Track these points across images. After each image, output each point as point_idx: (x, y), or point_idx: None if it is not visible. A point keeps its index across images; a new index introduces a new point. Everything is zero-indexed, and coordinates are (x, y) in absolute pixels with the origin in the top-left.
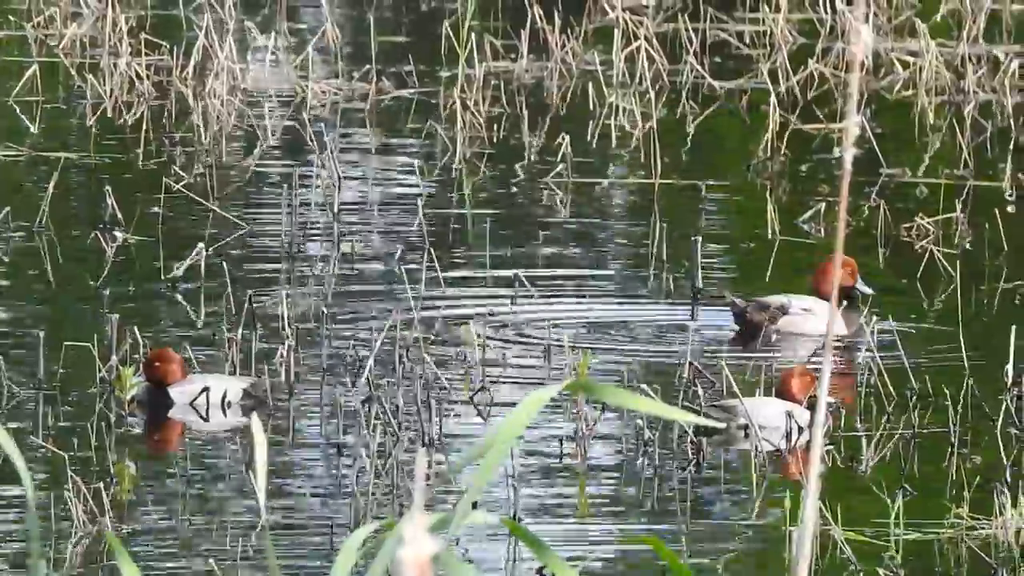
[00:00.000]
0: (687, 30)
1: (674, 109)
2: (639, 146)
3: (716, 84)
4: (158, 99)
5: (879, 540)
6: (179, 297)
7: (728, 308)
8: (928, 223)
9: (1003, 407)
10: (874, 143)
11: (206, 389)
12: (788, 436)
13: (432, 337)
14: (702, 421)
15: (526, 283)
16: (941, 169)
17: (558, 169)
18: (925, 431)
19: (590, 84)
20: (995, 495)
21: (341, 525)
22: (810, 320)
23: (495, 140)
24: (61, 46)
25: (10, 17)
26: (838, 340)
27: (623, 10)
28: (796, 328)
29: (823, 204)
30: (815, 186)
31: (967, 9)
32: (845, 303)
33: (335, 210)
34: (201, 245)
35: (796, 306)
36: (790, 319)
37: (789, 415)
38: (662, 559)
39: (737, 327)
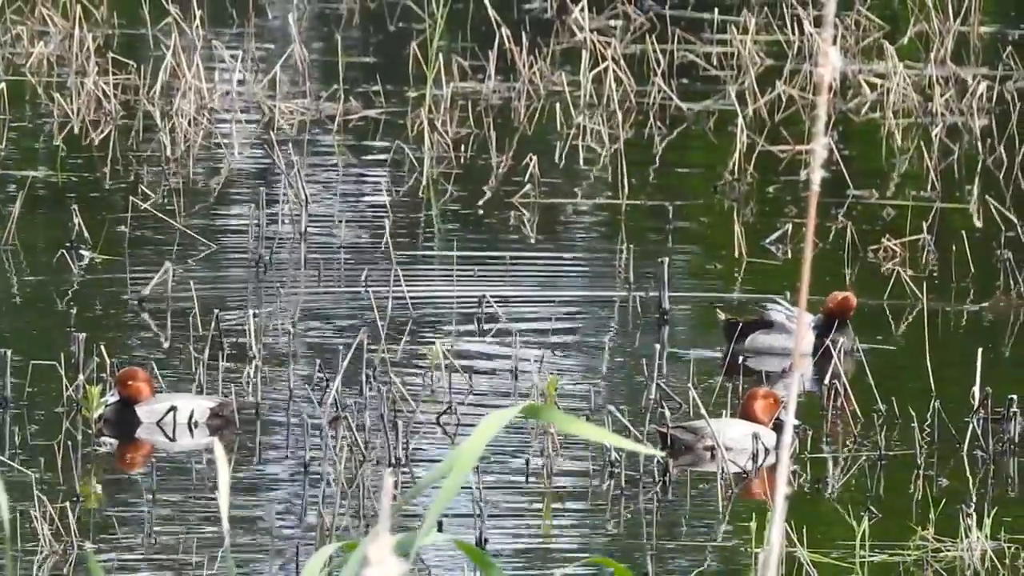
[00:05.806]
0: (655, 51)
1: (641, 130)
2: (606, 167)
3: (684, 105)
4: (125, 118)
5: (845, 562)
6: (146, 316)
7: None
8: (895, 245)
9: (969, 429)
10: (841, 165)
11: (173, 408)
12: (755, 457)
13: (398, 357)
14: (641, 449)
15: (493, 304)
16: (908, 191)
17: (525, 190)
18: (891, 453)
19: (557, 105)
20: (961, 517)
21: (306, 544)
22: (772, 337)
23: (462, 160)
24: (28, 65)
25: None
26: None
27: (591, 31)
28: (761, 345)
29: (790, 225)
30: (782, 207)
31: (935, 31)
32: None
33: (302, 230)
34: (168, 264)
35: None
36: (753, 336)
37: (755, 436)
38: None
39: (726, 342)
